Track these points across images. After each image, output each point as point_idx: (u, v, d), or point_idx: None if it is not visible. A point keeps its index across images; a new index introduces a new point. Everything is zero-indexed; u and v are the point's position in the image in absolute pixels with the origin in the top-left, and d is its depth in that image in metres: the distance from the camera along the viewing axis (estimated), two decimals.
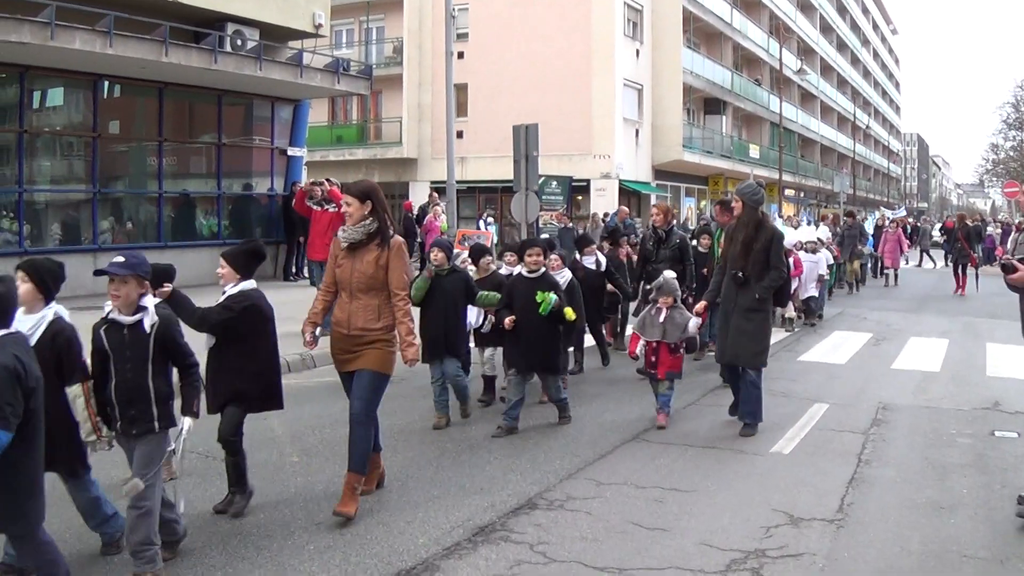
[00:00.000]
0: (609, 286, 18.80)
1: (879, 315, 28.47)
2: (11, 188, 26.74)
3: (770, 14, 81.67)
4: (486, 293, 13.81)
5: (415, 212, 39.53)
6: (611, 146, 55.76)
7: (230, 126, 33.66)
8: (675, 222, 19.37)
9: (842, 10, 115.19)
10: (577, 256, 18.45)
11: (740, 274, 13.26)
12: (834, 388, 16.94)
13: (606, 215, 43.84)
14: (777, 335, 21.16)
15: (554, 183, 43.05)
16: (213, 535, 9.06)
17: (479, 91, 56.48)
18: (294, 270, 32.36)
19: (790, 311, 24.25)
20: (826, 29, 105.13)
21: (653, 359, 13.83)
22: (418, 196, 52.35)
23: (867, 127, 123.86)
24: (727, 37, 72.05)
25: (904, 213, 79.39)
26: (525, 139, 27.43)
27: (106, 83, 29.32)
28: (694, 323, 13.87)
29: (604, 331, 19.36)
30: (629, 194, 57.86)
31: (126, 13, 26.21)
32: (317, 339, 10.17)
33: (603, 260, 18.65)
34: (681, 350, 13.98)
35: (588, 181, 54.16)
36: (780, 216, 53.95)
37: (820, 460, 12.01)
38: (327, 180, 23.32)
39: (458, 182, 34.47)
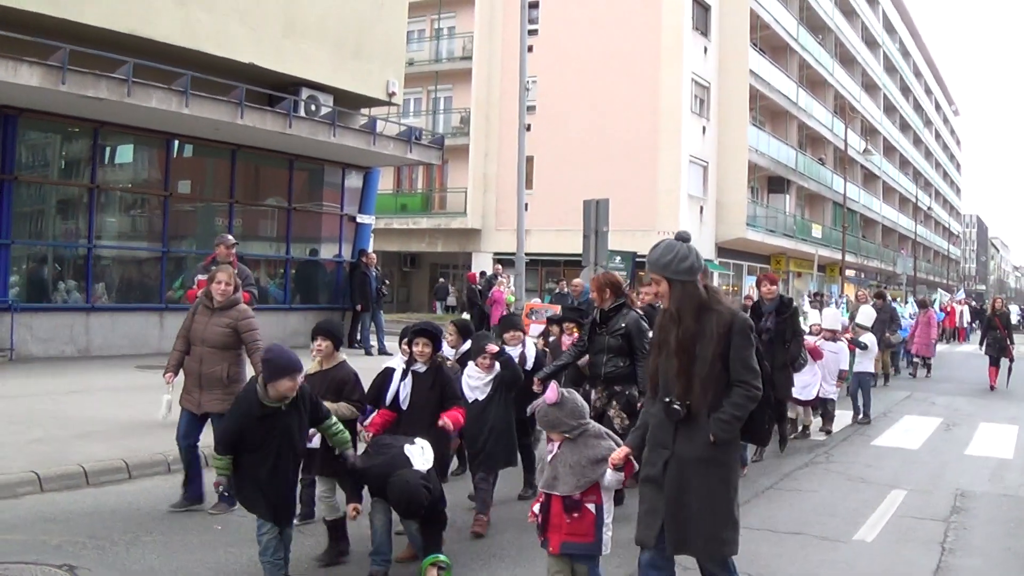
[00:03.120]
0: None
1: (947, 399, 27.87)
2: (80, 243, 26.61)
3: (835, 93, 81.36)
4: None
5: (479, 284, 39.08)
6: (675, 222, 55.24)
7: (300, 190, 33.70)
8: (628, 297, 13.55)
9: (905, 90, 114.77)
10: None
11: (677, 405, 7.58)
12: (910, 474, 16.55)
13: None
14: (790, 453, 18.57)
15: (618, 258, 42.57)
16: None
17: (544, 163, 56.24)
18: (358, 338, 31.82)
19: (806, 416, 19.94)
20: (889, 109, 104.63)
21: (541, 520, 8.34)
22: (481, 267, 52.04)
23: (928, 208, 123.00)
24: (792, 116, 71.66)
25: (963, 295, 78.13)
26: (596, 213, 27.19)
27: (177, 142, 29.38)
28: (612, 478, 8.08)
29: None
30: None
31: (202, 73, 26.23)
32: None
33: (531, 352, 13.55)
34: (588, 507, 8.15)
35: None
36: (841, 298, 52.71)
37: (904, 548, 11.72)
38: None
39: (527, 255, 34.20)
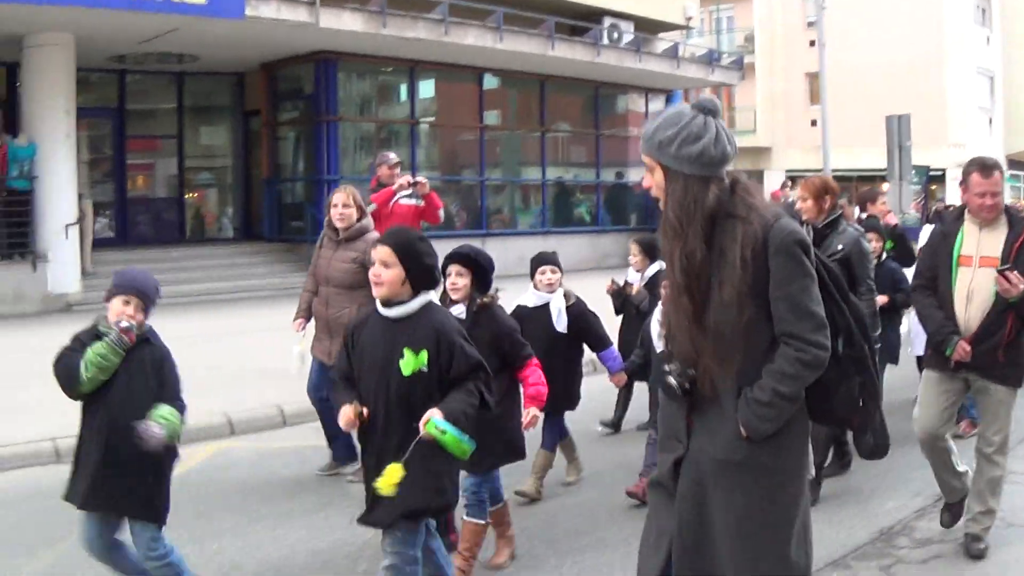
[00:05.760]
0: None
1: None
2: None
3: None
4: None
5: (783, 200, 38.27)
6: (964, 135, 53.12)
7: (606, 117, 33.52)
8: (844, 209, 9.40)
9: None
10: None
11: (672, 377, 4.37)
12: None
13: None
14: None
15: (911, 172, 41.09)
16: None
17: (831, 79, 54.54)
18: None
19: None
20: None
21: None
22: (772, 184, 50.99)
23: None
24: None
25: None
26: (898, 129, 26.23)
27: (488, 75, 29.48)
28: None
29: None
30: None
31: (511, 9, 26.24)
32: None
33: None
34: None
35: (943, 171, 51.66)
36: None
37: None
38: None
39: (815, 171, 33.26)
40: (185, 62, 25.64)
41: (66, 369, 5.74)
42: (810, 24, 48.83)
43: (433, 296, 5.56)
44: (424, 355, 5.27)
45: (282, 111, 27.90)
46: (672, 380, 4.35)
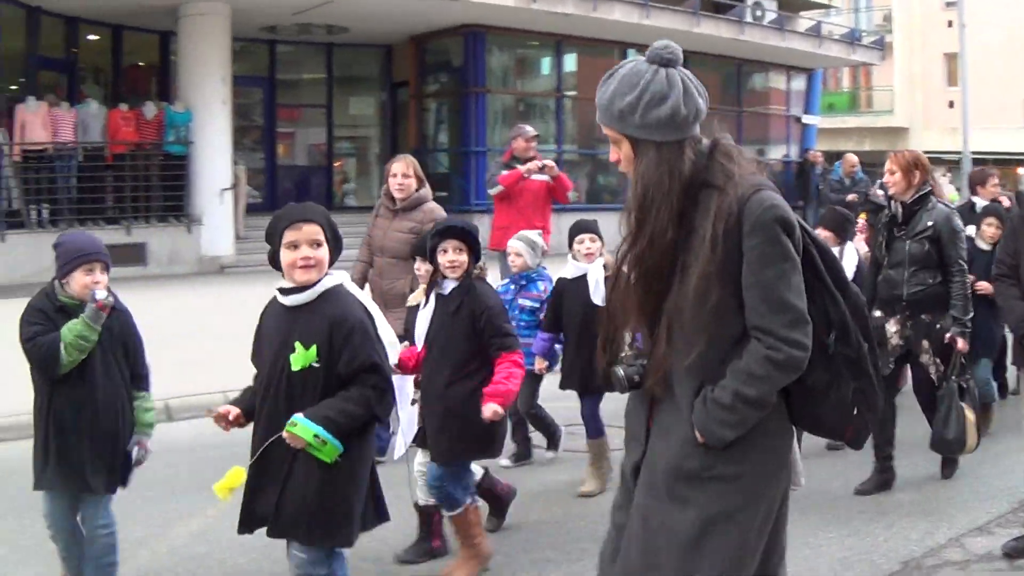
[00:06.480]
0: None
1: None
2: (550, 148, 26.74)
3: None
4: None
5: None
6: None
7: (748, 94, 33.27)
8: (933, 186, 8.22)
9: None
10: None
11: (622, 369, 3.73)
12: None
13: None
14: None
15: None
16: None
17: (971, 59, 53.54)
18: None
19: None
20: None
21: None
22: None
23: None
24: None
25: None
26: None
27: (632, 52, 29.04)
28: None
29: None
30: None
31: None
32: None
33: (851, 258, 9.28)
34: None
35: None
36: None
37: None
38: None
39: (952, 152, 32.83)
40: (334, 33, 25.98)
41: (46, 350, 5.48)
42: (948, 4, 48.00)
43: (341, 278, 4.94)
44: (314, 350, 4.69)
45: (430, 83, 28.28)
46: (620, 371, 3.74)
